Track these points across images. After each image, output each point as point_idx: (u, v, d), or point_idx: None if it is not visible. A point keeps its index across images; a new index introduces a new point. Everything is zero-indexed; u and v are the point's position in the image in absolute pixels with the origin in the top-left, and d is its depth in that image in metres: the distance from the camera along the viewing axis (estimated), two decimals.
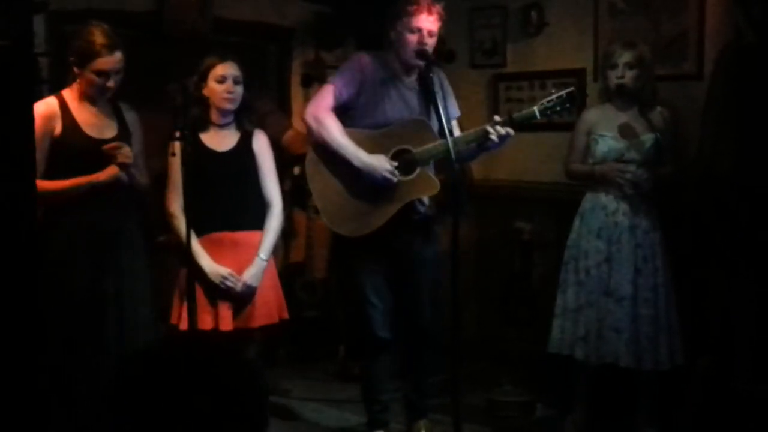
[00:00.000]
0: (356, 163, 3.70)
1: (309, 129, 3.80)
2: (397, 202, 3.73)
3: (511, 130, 3.62)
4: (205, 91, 3.70)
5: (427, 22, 3.67)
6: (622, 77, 3.93)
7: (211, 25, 4.95)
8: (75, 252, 3.48)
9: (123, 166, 3.49)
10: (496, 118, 3.66)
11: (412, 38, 3.67)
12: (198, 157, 3.56)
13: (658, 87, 4.04)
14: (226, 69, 3.69)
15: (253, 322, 3.73)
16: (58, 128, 3.49)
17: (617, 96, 3.98)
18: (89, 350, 3.48)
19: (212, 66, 3.69)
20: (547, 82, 4.96)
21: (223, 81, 3.68)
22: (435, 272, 3.99)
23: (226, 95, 3.68)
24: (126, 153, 3.49)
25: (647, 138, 3.93)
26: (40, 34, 4.14)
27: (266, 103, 5.18)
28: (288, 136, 5.11)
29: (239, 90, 3.71)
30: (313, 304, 5.23)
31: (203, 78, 3.70)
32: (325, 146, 3.75)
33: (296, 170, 5.10)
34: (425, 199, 3.84)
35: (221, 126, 3.76)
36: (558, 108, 3.66)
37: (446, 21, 3.75)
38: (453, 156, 3.37)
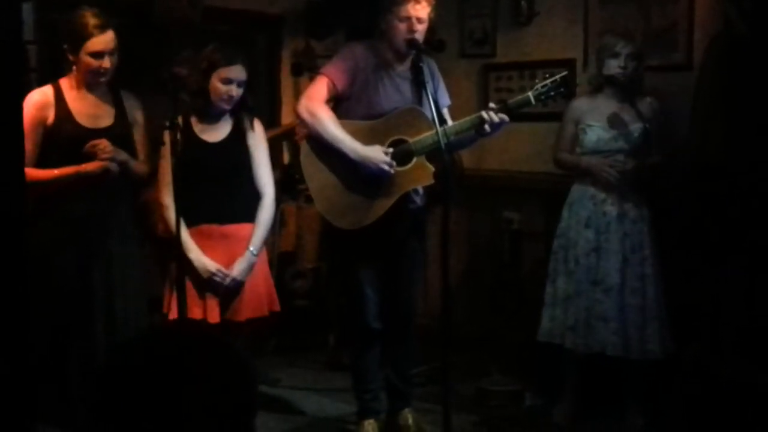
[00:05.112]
0: (352, 155, 3.66)
1: (303, 122, 3.75)
2: (394, 193, 3.70)
3: (506, 117, 3.61)
4: (207, 86, 3.63)
5: (417, 9, 3.65)
6: (626, 68, 3.93)
7: (201, 14, 4.93)
8: (63, 242, 3.47)
9: (109, 161, 3.47)
10: (491, 104, 3.66)
11: (402, 26, 3.65)
12: (190, 148, 3.53)
13: (646, 77, 4.06)
14: (235, 73, 3.61)
15: (242, 315, 3.70)
16: (51, 117, 3.46)
17: (614, 86, 3.97)
18: (78, 340, 3.47)
19: (219, 65, 3.60)
20: (537, 72, 4.95)
21: (228, 83, 3.61)
22: (422, 262, 4.02)
23: (227, 97, 3.63)
24: (104, 149, 3.44)
25: (636, 128, 3.93)
26: (28, 22, 4.12)
27: None
28: None
29: (240, 92, 3.65)
30: (302, 294, 5.23)
31: (208, 74, 3.61)
32: (320, 139, 3.71)
33: (286, 158, 5.08)
34: (420, 188, 3.84)
35: (215, 116, 3.73)
36: (552, 93, 3.66)
37: (436, 8, 3.73)
38: (443, 146, 3.38)
